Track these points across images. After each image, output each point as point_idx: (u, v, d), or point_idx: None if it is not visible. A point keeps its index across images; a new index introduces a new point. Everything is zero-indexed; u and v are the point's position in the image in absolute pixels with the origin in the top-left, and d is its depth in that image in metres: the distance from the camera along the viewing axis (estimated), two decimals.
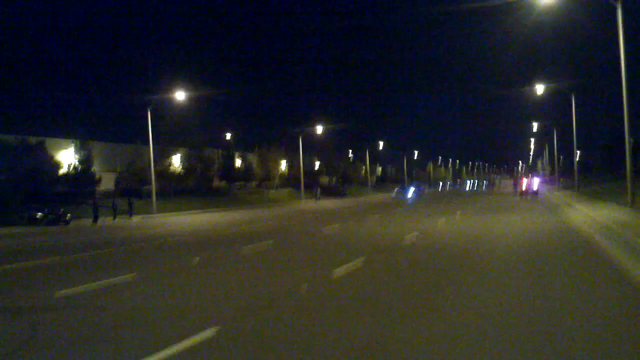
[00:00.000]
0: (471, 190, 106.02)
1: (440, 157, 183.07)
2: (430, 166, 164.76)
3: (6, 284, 13.10)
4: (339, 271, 12.48)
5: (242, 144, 79.11)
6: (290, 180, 79.91)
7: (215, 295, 10.55)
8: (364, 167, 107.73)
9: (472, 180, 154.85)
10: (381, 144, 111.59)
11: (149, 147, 48.85)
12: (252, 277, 12.64)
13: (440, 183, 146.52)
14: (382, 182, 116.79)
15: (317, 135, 79.49)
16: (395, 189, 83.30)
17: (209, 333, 7.59)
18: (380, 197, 79.54)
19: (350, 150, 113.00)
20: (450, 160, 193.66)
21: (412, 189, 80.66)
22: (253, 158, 76.31)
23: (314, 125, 77.66)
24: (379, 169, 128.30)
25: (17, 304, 10.43)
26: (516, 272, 12.06)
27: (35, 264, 16.83)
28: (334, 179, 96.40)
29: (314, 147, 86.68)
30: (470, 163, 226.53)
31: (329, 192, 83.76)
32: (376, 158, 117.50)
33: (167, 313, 9.16)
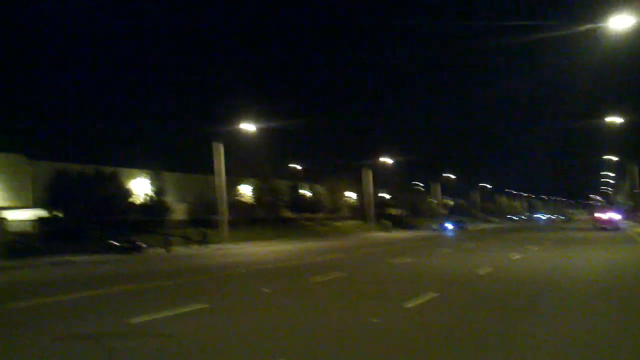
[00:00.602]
0: (546, 224, 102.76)
1: (514, 191, 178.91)
2: (503, 199, 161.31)
3: (83, 310, 13.43)
4: (411, 304, 12.21)
5: (310, 175, 79.59)
6: (358, 211, 79.70)
7: (286, 327, 10.45)
8: (434, 200, 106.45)
9: (546, 214, 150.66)
10: (452, 176, 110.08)
11: (220, 177, 49.77)
12: (322, 308, 12.52)
13: (514, 217, 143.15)
14: (453, 215, 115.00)
15: (386, 166, 79.11)
16: (434, 225, 78.94)
17: None
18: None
19: (420, 183, 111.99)
20: (525, 193, 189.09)
21: (450, 225, 77.17)
22: (321, 189, 76.61)
23: (383, 156, 77.36)
24: (450, 201, 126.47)
25: (94, 330, 10.62)
26: (599, 308, 11.48)
27: (110, 291, 17.24)
28: (403, 211, 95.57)
29: (383, 178, 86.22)
30: (544, 196, 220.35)
31: (398, 224, 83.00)
32: (447, 191, 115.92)
33: (238, 344, 9.13)
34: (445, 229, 74.01)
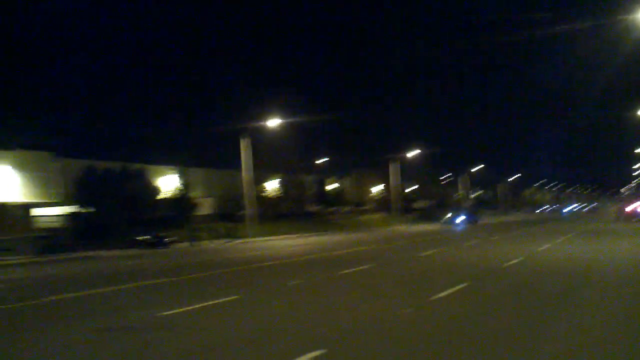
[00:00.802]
0: (574, 216, 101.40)
1: (543, 182, 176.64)
2: (531, 191, 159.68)
3: (115, 304, 13.56)
4: (441, 295, 12.12)
5: (336, 169, 79.48)
6: (383, 204, 79.53)
7: (317, 318, 10.44)
8: (459, 192, 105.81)
9: (572, 205, 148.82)
10: (477, 168, 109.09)
11: (247, 173, 49.97)
12: (351, 300, 12.48)
13: (542, 208, 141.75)
14: (479, 207, 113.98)
15: (413, 159, 78.54)
16: (444, 218, 70.77)
17: (315, 355, 7.46)
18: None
19: (447, 175, 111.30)
20: (550, 184, 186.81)
21: (460, 218, 68.85)
22: (346, 183, 76.54)
23: (411, 149, 76.83)
24: (476, 193, 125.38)
25: (126, 323, 10.71)
26: (629, 295, 11.30)
27: (139, 285, 17.42)
28: (428, 203, 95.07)
29: (410, 171, 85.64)
30: (574, 188, 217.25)
31: (424, 216, 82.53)
32: (473, 182, 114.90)
33: (271, 334, 9.13)
34: (453, 223, 66.85)
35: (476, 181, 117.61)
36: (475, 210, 78.49)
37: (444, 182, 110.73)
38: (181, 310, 11.66)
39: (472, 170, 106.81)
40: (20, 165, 42.61)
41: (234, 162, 54.10)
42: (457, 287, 13.24)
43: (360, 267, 19.21)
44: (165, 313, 11.37)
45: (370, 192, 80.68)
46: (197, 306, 12.04)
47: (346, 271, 18.23)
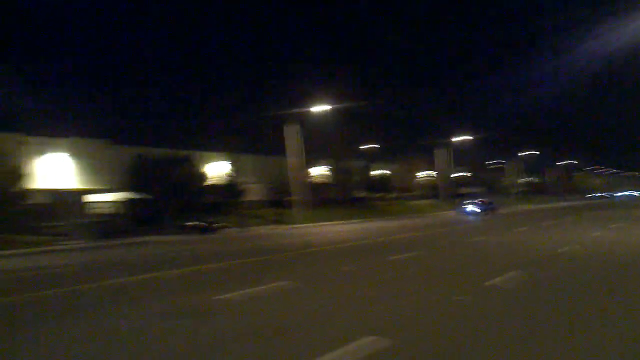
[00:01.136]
0: (629, 202, 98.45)
1: (596, 167, 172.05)
2: (584, 176, 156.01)
3: (168, 289, 13.86)
4: (493, 282, 12.04)
5: (383, 155, 79.07)
6: (431, 190, 78.97)
7: (369, 304, 10.48)
8: (507, 177, 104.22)
9: (631, 192, 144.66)
10: (526, 152, 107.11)
11: (293, 159, 50.29)
12: (402, 286, 12.49)
13: (596, 194, 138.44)
14: (532, 193, 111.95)
15: (463, 144, 77.53)
16: (459, 206, 64.57)
17: (371, 340, 7.55)
18: (527, 207, 76.13)
19: (496, 160, 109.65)
20: (607, 170, 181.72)
21: (472, 208, 61.11)
22: (394, 168, 76.19)
23: (461, 134, 75.84)
24: (529, 179, 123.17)
25: (181, 308, 10.93)
26: None
27: (193, 269, 17.74)
28: (478, 189, 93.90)
29: (458, 156, 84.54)
30: (628, 173, 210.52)
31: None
32: (527, 168, 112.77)
33: (324, 320, 9.22)
34: (466, 211, 60.55)
35: (526, 166, 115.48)
36: (489, 199, 67.51)
37: (493, 166, 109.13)
38: (236, 294, 11.86)
39: (522, 154, 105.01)
40: (76, 153, 43.87)
41: (283, 148, 54.48)
42: (511, 273, 13.12)
43: (411, 254, 19.18)
44: (220, 297, 11.61)
45: (418, 177, 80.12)
46: (250, 291, 12.23)
47: (397, 257, 18.26)
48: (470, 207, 60.91)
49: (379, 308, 9.96)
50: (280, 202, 53.63)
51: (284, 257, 20.82)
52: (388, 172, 76.22)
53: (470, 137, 77.32)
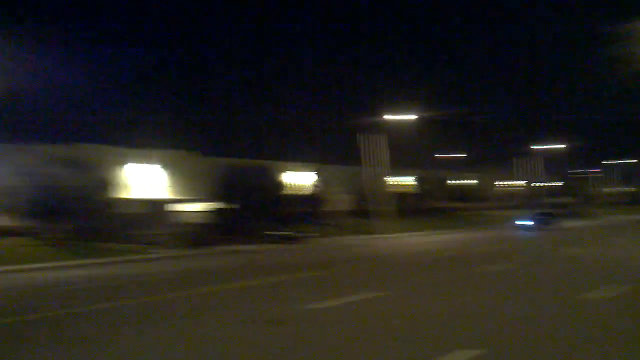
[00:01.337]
0: None
1: None
2: None
3: (258, 297, 14.02)
4: (594, 296, 11.50)
5: (465, 164, 77.33)
6: (512, 200, 76.81)
7: (461, 315, 10.22)
8: (599, 187, 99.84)
9: None
10: (622, 161, 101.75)
11: (375, 168, 50.24)
12: (496, 298, 12.16)
13: None
14: (629, 203, 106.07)
15: (555, 152, 74.74)
16: (516, 218, 53.98)
17: (470, 353, 7.35)
18: (629, 218, 72.26)
19: (587, 169, 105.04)
20: None
21: (526, 222, 50.75)
22: (474, 177, 74.72)
23: (551, 142, 73.28)
24: (624, 188, 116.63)
25: (273, 315, 11.01)
26: None
27: (279, 278, 17.92)
28: (573, 199, 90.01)
29: (551, 166, 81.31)
30: None
31: (566, 213, 78.20)
32: (622, 177, 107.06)
33: (420, 330, 9.10)
34: (519, 225, 50.88)
35: (621, 176, 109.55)
36: (550, 212, 57.46)
37: (582, 175, 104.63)
38: (326, 305, 11.83)
39: (618, 162, 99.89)
40: (164, 163, 45.30)
41: (364, 158, 54.15)
42: (613, 289, 12.50)
43: (501, 265, 18.73)
44: (309, 306, 11.62)
45: (499, 186, 78.11)
46: (341, 301, 12.17)
47: (486, 269, 17.85)
48: (523, 221, 51.43)
49: (473, 320, 9.74)
50: (362, 211, 53.42)
51: (371, 267, 20.72)
52: (469, 181, 74.72)
53: (561, 145, 74.63)
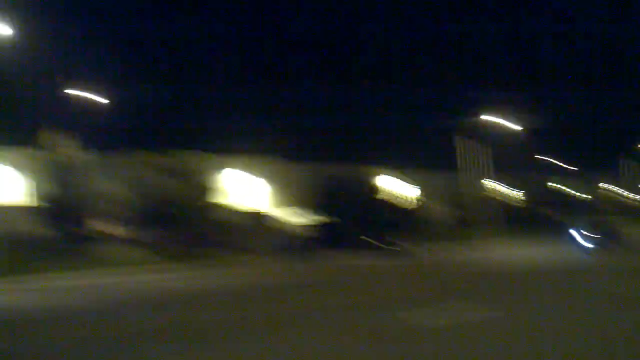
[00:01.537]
0: None
1: None
2: None
3: (376, 308, 14.00)
4: None
5: (565, 168, 73.62)
6: (616, 206, 72.91)
7: (590, 338, 9.78)
8: None
9: None
10: None
11: (477, 176, 49.09)
12: (609, 319, 11.57)
13: None
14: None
15: None
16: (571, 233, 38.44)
17: None
18: None
19: None
20: None
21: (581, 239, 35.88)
22: (575, 183, 71.67)
23: None
24: None
25: (374, 330, 11.12)
26: None
27: (388, 291, 17.80)
28: None
29: None
30: None
31: None
32: None
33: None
34: (576, 242, 36.40)
35: None
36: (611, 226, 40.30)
37: None
38: (445, 321, 11.67)
39: None
40: (260, 171, 45.84)
41: (462, 164, 52.91)
42: None
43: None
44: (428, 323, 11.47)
45: (601, 191, 74.21)
46: (456, 320, 11.91)
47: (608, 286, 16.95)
48: (581, 240, 36.29)
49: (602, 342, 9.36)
50: (465, 221, 52.20)
51: (478, 280, 20.12)
52: (569, 189, 71.62)
53: None
